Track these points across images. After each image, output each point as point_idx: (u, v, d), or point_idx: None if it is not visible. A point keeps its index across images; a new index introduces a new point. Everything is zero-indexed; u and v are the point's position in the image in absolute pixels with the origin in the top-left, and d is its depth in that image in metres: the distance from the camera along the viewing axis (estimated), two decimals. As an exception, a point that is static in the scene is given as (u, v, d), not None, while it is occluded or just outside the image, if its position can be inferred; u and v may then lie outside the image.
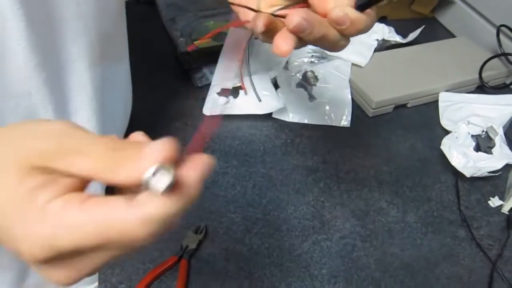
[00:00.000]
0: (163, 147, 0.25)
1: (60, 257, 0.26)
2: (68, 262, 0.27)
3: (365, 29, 0.39)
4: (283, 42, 0.36)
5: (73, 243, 0.25)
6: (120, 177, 0.25)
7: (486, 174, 0.64)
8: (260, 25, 0.37)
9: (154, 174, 0.24)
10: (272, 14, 0.39)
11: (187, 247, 0.55)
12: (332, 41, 0.39)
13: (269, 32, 0.38)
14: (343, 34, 0.39)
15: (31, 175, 0.25)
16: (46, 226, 0.25)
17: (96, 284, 0.53)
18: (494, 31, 0.85)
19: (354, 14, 0.37)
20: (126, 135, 0.56)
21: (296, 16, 0.35)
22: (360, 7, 0.35)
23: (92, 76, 0.51)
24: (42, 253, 0.25)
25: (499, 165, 0.64)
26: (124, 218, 0.24)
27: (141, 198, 0.24)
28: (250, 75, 0.74)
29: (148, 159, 0.24)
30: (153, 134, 0.29)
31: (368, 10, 0.38)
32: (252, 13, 0.41)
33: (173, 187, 0.24)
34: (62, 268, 0.27)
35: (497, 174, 0.65)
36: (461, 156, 0.64)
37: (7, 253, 0.58)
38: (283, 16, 0.38)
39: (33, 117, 0.46)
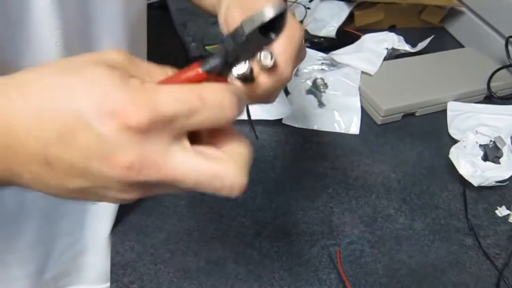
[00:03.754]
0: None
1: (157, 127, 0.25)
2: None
3: (272, 88, 0.39)
4: None
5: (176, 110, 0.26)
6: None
7: (494, 183, 0.65)
8: None
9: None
10: None
11: None
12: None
13: None
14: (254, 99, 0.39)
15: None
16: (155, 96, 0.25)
17: (108, 284, 0.54)
18: (503, 42, 0.85)
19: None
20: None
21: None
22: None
23: None
24: (142, 114, 0.25)
25: (506, 175, 0.65)
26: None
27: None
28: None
29: None
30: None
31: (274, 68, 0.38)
32: None
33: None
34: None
35: (504, 183, 0.65)
36: (469, 165, 0.65)
37: (26, 247, 0.59)
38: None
39: None
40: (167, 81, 0.29)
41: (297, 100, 0.78)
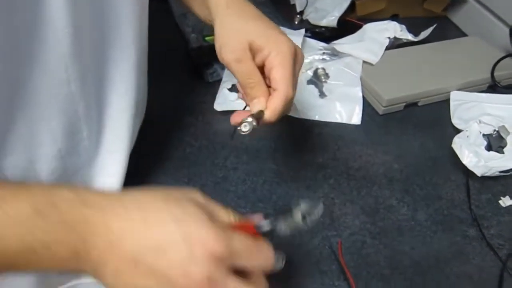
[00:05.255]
0: None
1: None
2: None
3: (282, 111, 0.50)
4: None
5: None
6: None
7: (497, 173, 0.64)
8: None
9: None
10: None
11: None
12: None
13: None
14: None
15: None
16: None
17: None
18: (507, 30, 0.84)
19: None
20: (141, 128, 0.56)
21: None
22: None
23: (127, 67, 0.52)
24: (221, 247, 0.34)
25: (510, 165, 0.64)
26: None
27: None
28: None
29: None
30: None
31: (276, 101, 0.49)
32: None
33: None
34: None
35: (508, 173, 0.65)
36: (472, 155, 0.64)
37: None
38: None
39: (71, 104, 0.47)
40: (234, 227, 0.38)
41: (298, 91, 0.76)
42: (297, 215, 0.39)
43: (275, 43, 0.50)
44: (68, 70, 0.45)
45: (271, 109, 0.49)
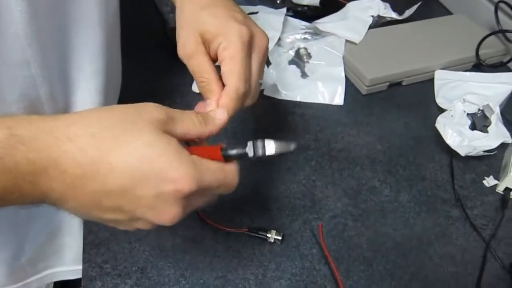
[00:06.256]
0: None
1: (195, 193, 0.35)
2: (190, 201, 0.35)
3: (236, 108, 0.45)
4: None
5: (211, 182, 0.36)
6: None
7: (482, 153, 0.63)
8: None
9: None
10: None
11: None
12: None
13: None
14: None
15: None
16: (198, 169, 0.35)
17: (80, 266, 0.52)
18: (492, 7, 0.82)
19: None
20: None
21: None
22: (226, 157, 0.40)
23: (93, 48, 0.49)
24: (192, 187, 0.34)
25: (494, 144, 0.63)
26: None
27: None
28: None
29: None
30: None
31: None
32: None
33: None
34: (181, 206, 0.35)
35: (492, 153, 0.63)
36: (456, 134, 0.63)
37: (1, 230, 0.56)
38: None
39: (33, 88, 0.45)
40: (195, 150, 0.37)
41: (279, 71, 0.75)
42: (269, 146, 0.39)
43: (224, 32, 0.45)
44: (25, 51, 0.42)
45: (222, 107, 0.44)
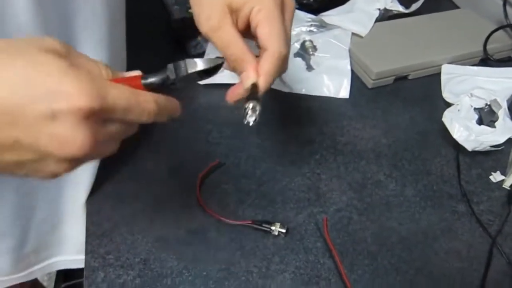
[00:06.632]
0: None
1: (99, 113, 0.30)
2: (98, 126, 0.31)
3: (277, 69, 0.42)
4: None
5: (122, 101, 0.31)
6: None
7: (488, 148, 0.62)
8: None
9: None
10: None
11: None
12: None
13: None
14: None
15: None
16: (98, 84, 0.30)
17: (83, 256, 0.52)
18: (500, 2, 0.81)
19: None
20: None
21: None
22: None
23: (96, 39, 0.48)
24: (91, 102, 0.29)
25: (502, 139, 0.62)
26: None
27: None
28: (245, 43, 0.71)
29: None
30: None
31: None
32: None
33: None
34: (91, 130, 0.30)
35: (499, 148, 0.63)
36: (463, 129, 0.62)
37: (6, 220, 0.56)
38: None
39: None
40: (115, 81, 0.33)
41: (284, 63, 0.74)
42: (191, 63, 0.37)
43: None
44: None
45: (264, 74, 0.41)
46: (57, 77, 0.28)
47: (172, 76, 0.36)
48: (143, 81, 0.35)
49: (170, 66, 0.36)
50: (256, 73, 0.41)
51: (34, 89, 0.28)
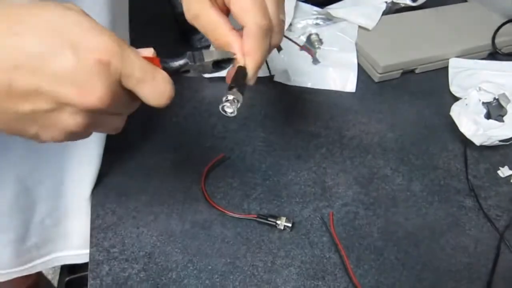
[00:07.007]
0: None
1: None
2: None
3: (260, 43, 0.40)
4: None
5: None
6: None
7: (497, 142, 0.61)
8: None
9: None
10: None
11: None
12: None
13: None
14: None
15: None
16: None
17: (87, 251, 0.51)
18: (509, -5, 0.80)
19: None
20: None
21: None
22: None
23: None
24: (117, 60, 0.30)
25: (510, 134, 0.61)
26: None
27: None
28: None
29: None
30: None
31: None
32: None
33: None
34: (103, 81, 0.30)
35: (507, 143, 0.62)
36: (471, 123, 0.61)
37: (5, 212, 0.56)
38: None
39: None
40: None
41: (290, 56, 0.73)
42: (207, 54, 0.37)
43: None
44: None
45: (248, 54, 0.38)
46: (84, 29, 0.29)
47: (191, 62, 0.36)
48: (163, 65, 0.35)
49: (189, 53, 0.37)
50: (241, 52, 0.39)
51: (61, 38, 0.29)
